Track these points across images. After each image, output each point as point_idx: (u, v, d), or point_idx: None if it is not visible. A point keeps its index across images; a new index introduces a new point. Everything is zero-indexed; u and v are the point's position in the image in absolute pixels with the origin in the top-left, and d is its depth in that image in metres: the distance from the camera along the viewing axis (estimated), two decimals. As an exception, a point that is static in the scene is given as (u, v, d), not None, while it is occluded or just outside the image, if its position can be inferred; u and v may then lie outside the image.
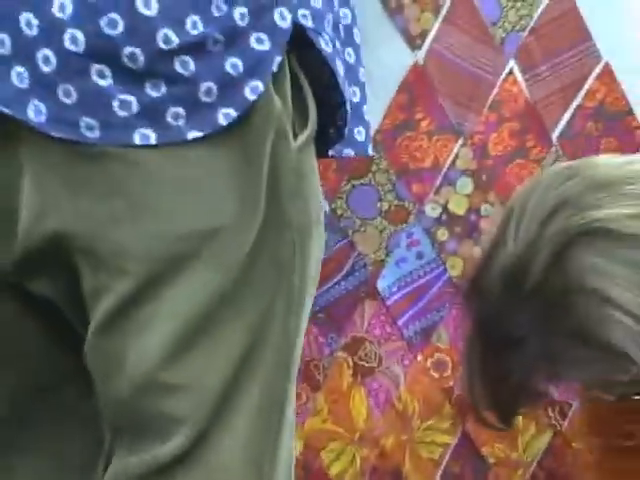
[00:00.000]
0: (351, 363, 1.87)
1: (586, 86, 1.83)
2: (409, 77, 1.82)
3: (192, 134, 0.96)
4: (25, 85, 0.94)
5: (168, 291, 1.00)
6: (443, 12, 1.79)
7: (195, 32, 0.94)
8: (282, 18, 0.98)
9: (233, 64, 0.96)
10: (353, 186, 1.84)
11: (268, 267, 1.04)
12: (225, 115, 0.96)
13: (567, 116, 1.83)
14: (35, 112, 0.94)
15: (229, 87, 0.96)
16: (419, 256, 1.86)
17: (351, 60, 1.12)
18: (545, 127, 1.83)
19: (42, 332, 1.10)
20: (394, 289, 1.87)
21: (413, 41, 1.81)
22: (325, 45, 1.05)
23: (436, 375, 1.88)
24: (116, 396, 1.04)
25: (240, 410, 1.05)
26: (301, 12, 1.01)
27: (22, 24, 0.93)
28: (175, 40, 0.93)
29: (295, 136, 1.04)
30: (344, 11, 1.10)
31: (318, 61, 1.05)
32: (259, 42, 0.96)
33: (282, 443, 1.10)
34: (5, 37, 0.93)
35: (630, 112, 1.82)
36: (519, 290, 1.11)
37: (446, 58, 1.82)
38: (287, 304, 1.07)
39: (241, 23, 0.95)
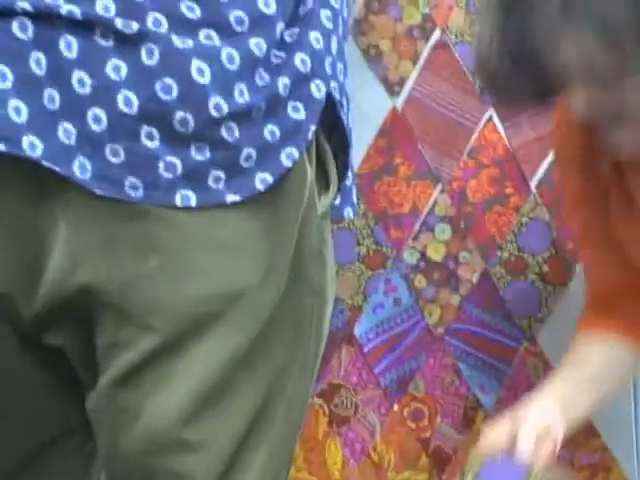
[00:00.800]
0: (327, 410, 1.91)
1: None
2: (388, 122, 1.87)
3: (230, 198, 1.01)
4: (72, 142, 0.97)
5: (190, 349, 1.05)
6: (421, 61, 1.85)
7: (242, 101, 0.99)
8: (318, 89, 1.04)
9: (271, 131, 1.01)
10: (331, 230, 1.89)
11: (287, 329, 1.10)
12: (262, 180, 1.02)
13: (545, 164, 1.88)
14: (80, 169, 0.97)
15: (266, 153, 1.01)
16: (396, 303, 1.91)
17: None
18: (524, 174, 1.88)
19: (51, 384, 1.14)
20: (371, 335, 1.91)
21: (392, 87, 1.86)
22: (344, 116, 1.12)
23: (413, 425, 1.92)
24: (126, 449, 1.08)
25: (249, 469, 1.10)
26: (332, 84, 1.07)
27: (74, 82, 0.96)
28: (225, 108, 0.98)
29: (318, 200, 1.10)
30: (340, 65, 1.15)
31: (335, 129, 1.13)
32: (295, 110, 1.02)
33: None
34: (55, 94, 0.96)
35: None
36: None
37: (425, 104, 1.86)
38: (302, 365, 1.13)
39: (283, 93, 1.01)
